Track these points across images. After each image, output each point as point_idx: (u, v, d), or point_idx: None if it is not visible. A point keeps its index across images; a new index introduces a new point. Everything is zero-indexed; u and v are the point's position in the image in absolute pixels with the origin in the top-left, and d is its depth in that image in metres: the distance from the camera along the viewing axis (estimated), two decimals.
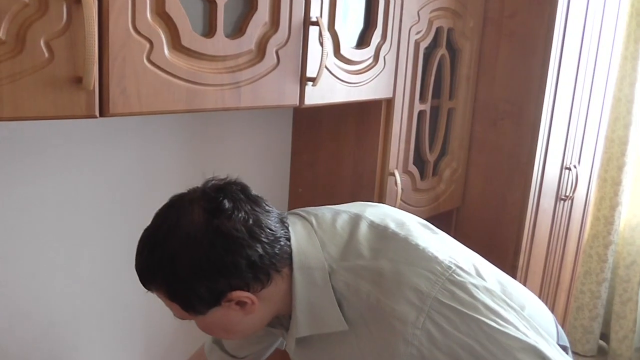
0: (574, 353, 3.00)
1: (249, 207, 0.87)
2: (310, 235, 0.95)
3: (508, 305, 0.89)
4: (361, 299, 0.89)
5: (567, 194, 2.19)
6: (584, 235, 2.56)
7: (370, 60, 1.42)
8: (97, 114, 0.87)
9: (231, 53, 1.05)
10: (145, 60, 0.92)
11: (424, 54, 1.63)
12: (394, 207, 1.12)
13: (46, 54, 0.80)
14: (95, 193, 1.30)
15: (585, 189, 2.39)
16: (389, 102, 1.55)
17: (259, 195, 0.92)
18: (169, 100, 0.97)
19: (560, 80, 1.90)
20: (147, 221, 1.38)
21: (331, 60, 1.29)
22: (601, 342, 3.13)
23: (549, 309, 1.18)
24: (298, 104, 1.23)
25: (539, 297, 1.66)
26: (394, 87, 1.54)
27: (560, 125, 2.00)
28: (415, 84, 1.62)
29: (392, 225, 0.98)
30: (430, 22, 1.62)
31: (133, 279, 1.42)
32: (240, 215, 0.86)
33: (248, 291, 0.87)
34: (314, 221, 0.98)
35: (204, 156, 1.49)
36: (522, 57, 1.86)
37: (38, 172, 1.20)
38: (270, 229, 0.88)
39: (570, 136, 2.10)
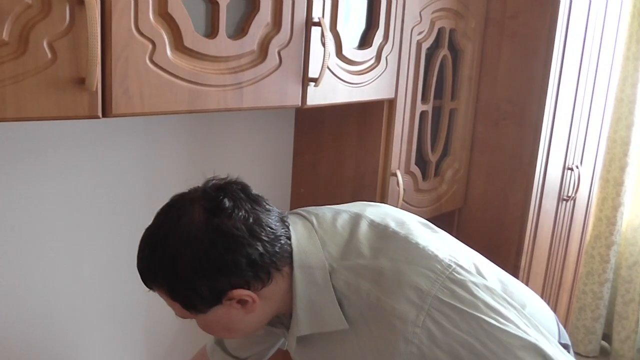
0: (576, 354, 3.00)
1: (249, 206, 0.88)
2: (310, 234, 0.95)
3: (508, 303, 0.89)
4: (361, 298, 0.89)
5: (570, 195, 2.19)
6: (586, 235, 2.55)
7: (372, 61, 1.43)
8: (99, 114, 0.87)
9: (233, 54, 1.05)
10: (147, 61, 0.92)
11: (426, 55, 1.63)
12: (396, 207, 1.12)
13: (49, 55, 0.80)
14: (97, 193, 1.31)
15: (588, 190, 2.39)
16: (391, 102, 1.55)
17: (260, 194, 0.92)
18: (171, 101, 0.97)
19: (562, 80, 1.89)
20: (149, 221, 1.39)
21: (333, 61, 1.29)
22: (603, 342, 3.13)
23: (551, 309, 1.18)
24: (300, 104, 1.24)
25: (541, 297, 1.66)
26: (396, 88, 1.54)
27: (563, 126, 2.00)
28: (417, 84, 1.62)
29: (393, 225, 0.98)
30: (432, 23, 1.62)
31: (134, 279, 1.42)
32: (240, 214, 0.86)
33: (249, 289, 0.87)
34: (314, 220, 0.98)
35: (206, 157, 1.49)
36: (524, 58, 1.86)
37: (40, 173, 1.20)
38: (271, 228, 0.88)
39: (573, 137, 2.10)
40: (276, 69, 1.14)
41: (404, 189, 1.62)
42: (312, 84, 1.23)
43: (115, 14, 0.86)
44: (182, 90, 0.98)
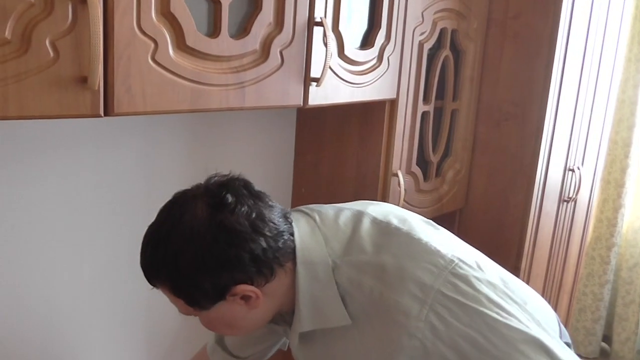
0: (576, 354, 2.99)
1: (252, 202, 0.88)
2: (313, 231, 0.95)
3: (510, 298, 0.89)
4: (364, 294, 0.89)
5: (570, 196, 2.19)
6: (587, 237, 2.55)
7: (374, 61, 1.43)
8: (101, 113, 0.87)
9: (235, 53, 1.05)
10: (150, 60, 0.92)
11: (428, 55, 1.63)
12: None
13: (51, 54, 0.80)
14: (97, 193, 1.31)
15: (589, 191, 2.39)
16: (393, 102, 1.55)
17: (262, 191, 0.92)
18: (173, 100, 0.97)
19: (564, 81, 1.89)
20: (150, 221, 1.39)
21: (335, 61, 1.29)
22: (603, 344, 3.13)
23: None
24: (302, 104, 1.24)
25: None
26: (397, 88, 1.54)
27: (564, 127, 2.00)
28: (419, 84, 1.62)
29: (395, 222, 0.98)
30: (434, 23, 1.62)
31: (134, 278, 1.42)
32: (243, 209, 0.86)
33: (252, 285, 0.87)
34: (317, 217, 0.98)
35: (207, 156, 1.49)
36: (526, 59, 1.86)
37: (41, 172, 1.20)
38: (274, 223, 0.89)
39: (574, 138, 2.10)
40: (278, 69, 1.14)
41: (405, 190, 1.62)
42: (314, 83, 1.23)
43: (118, 12, 0.86)
44: (184, 89, 0.98)
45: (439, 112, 1.79)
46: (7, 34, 0.76)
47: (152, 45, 0.92)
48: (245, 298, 0.89)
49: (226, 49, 1.03)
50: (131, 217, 1.37)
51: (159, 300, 1.49)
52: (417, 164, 1.71)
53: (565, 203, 2.18)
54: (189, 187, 0.91)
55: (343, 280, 0.91)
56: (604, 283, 2.96)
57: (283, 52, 1.15)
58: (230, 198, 0.86)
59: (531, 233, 1.99)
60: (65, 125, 1.21)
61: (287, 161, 1.77)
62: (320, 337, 0.97)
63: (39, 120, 0.89)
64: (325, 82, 1.25)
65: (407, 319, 0.85)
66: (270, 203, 0.91)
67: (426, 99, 1.69)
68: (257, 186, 0.93)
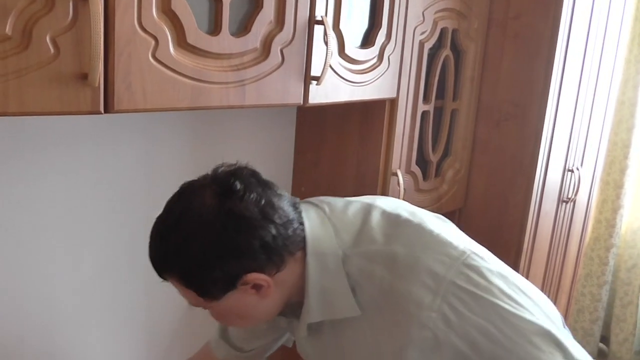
0: None
1: (261, 189, 0.87)
2: (323, 222, 0.95)
3: (521, 290, 0.89)
4: (374, 284, 0.89)
5: (569, 197, 2.19)
6: (586, 237, 2.56)
7: (375, 60, 1.43)
8: (101, 110, 0.87)
9: (236, 51, 1.05)
10: (150, 57, 0.92)
11: (428, 55, 1.63)
12: None
13: (52, 50, 0.80)
14: (97, 191, 1.31)
15: (588, 192, 2.39)
16: (393, 102, 1.55)
17: (270, 180, 0.92)
18: (173, 98, 0.97)
19: (564, 82, 1.89)
20: (150, 219, 1.38)
21: (335, 60, 1.29)
22: (601, 345, 3.13)
23: None
24: (302, 102, 1.24)
25: None
26: (397, 87, 1.54)
27: (564, 128, 2.00)
28: (419, 84, 1.62)
29: (405, 214, 0.97)
30: (435, 23, 1.62)
31: (135, 277, 1.43)
32: (252, 196, 0.85)
33: (263, 274, 0.86)
34: (326, 209, 0.98)
35: (207, 154, 1.49)
36: (527, 59, 1.86)
37: (41, 169, 1.20)
38: (283, 211, 0.88)
39: (573, 138, 2.10)
40: (278, 67, 1.14)
41: (404, 189, 1.62)
42: (314, 82, 1.23)
43: (119, 10, 0.86)
44: (184, 87, 0.98)
45: (439, 111, 1.79)
46: (8, 29, 0.76)
47: (153, 42, 0.92)
48: (257, 287, 0.88)
49: (227, 47, 1.03)
50: (131, 215, 1.37)
51: (159, 299, 1.50)
52: (417, 164, 1.72)
53: (564, 203, 2.18)
54: (196, 178, 0.90)
55: (353, 271, 0.90)
56: (602, 284, 2.97)
57: (284, 51, 1.15)
58: (238, 185, 0.86)
59: (530, 233, 2.00)
60: (65, 122, 1.20)
61: (287, 160, 1.77)
62: (329, 329, 0.96)
63: (39, 117, 0.89)
64: (325, 81, 1.25)
65: (418, 309, 0.85)
66: (278, 192, 0.91)
67: (426, 99, 1.69)
68: None
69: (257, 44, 1.09)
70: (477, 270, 0.87)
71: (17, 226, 1.19)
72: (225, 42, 1.03)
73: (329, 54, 1.23)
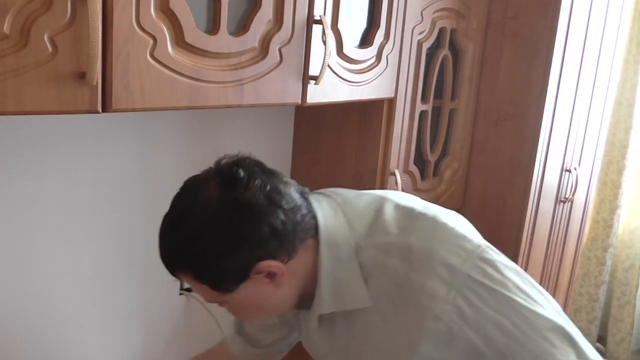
0: None
1: (265, 177, 0.86)
2: (336, 212, 0.94)
3: (534, 286, 0.88)
4: (388, 275, 0.88)
5: (567, 197, 2.19)
6: (583, 238, 2.56)
7: (373, 60, 1.43)
8: (99, 109, 0.87)
9: (234, 50, 1.05)
10: (148, 57, 0.92)
11: (427, 54, 1.63)
12: None
13: (50, 49, 0.80)
14: (96, 190, 1.31)
15: (585, 192, 2.39)
16: (391, 101, 1.56)
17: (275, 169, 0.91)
18: (172, 97, 0.97)
19: (562, 82, 1.90)
20: (148, 218, 1.39)
21: (334, 59, 1.29)
22: (598, 344, 3.14)
23: None
24: (300, 102, 1.24)
25: None
26: (396, 87, 1.54)
27: (561, 128, 2.01)
28: (417, 84, 1.62)
29: (419, 207, 0.96)
30: (434, 23, 1.62)
31: (132, 276, 1.43)
32: (256, 183, 0.84)
33: (276, 260, 0.86)
34: (338, 199, 0.97)
35: (205, 153, 1.47)
36: (525, 59, 1.86)
37: (39, 168, 1.20)
38: (290, 197, 0.87)
39: (571, 138, 2.11)
40: (277, 67, 1.14)
41: (402, 189, 1.63)
42: (313, 82, 1.23)
43: (117, 8, 0.86)
44: (182, 86, 0.98)
45: (437, 111, 1.79)
46: (6, 28, 0.75)
47: (151, 41, 0.92)
48: (271, 275, 0.87)
49: (225, 46, 1.03)
50: (129, 214, 1.37)
51: (157, 298, 1.50)
52: (415, 163, 1.72)
53: (561, 203, 2.18)
54: (199, 173, 0.90)
55: (367, 261, 0.89)
56: (600, 284, 2.97)
57: (282, 50, 1.15)
58: (242, 173, 0.85)
59: (528, 233, 2.00)
60: (63, 121, 1.20)
61: (285, 159, 1.77)
62: (340, 320, 0.95)
63: (37, 116, 0.89)
64: (323, 81, 1.25)
65: (433, 301, 0.84)
66: (284, 179, 0.90)
67: (424, 99, 1.69)
68: None
69: (256, 43, 1.09)
70: (492, 264, 0.87)
71: (14, 225, 1.19)
72: (223, 41, 1.03)
73: (328, 54, 1.23)
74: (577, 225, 2.41)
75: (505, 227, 1.99)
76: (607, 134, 2.67)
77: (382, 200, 0.98)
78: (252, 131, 1.63)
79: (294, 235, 0.87)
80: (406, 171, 1.69)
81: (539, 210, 2.02)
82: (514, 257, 1.98)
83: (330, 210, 0.94)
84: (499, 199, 1.98)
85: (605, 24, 2.09)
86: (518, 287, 0.86)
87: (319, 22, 1.20)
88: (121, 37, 0.87)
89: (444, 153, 1.88)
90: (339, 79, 1.32)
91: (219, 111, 1.49)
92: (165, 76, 0.95)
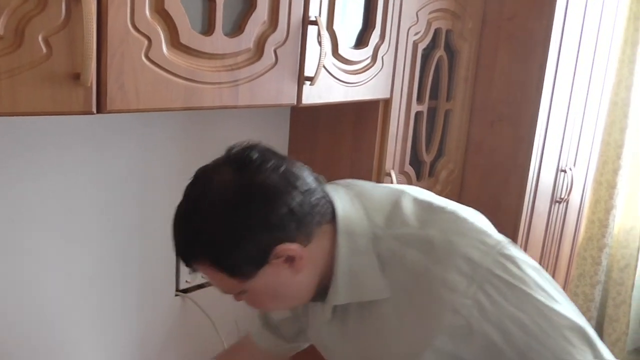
0: None
1: (278, 159, 0.85)
2: (353, 201, 0.92)
3: (552, 285, 0.88)
4: (407, 267, 0.86)
5: (562, 197, 2.20)
6: (579, 238, 2.57)
7: (369, 61, 1.43)
8: (94, 110, 0.87)
9: (230, 51, 1.05)
10: (143, 57, 0.92)
11: (422, 55, 1.64)
12: None
13: (44, 50, 0.80)
14: (90, 191, 1.30)
15: (581, 192, 2.40)
16: (387, 102, 1.56)
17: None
18: (166, 98, 0.97)
19: (557, 83, 1.90)
20: (144, 219, 1.39)
21: (329, 60, 1.29)
22: None
23: None
24: (295, 103, 1.24)
25: None
26: (391, 88, 1.54)
27: (557, 128, 2.01)
28: (412, 84, 1.62)
29: (437, 202, 0.96)
30: (429, 23, 1.62)
31: (128, 277, 1.42)
32: (270, 164, 0.84)
33: (294, 243, 0.84)
34: (355, 189, 0.96)
35: (200, 154, 1.48)
36: (520, 60, 1.87)
37: (33, 170, 1.20)
38: (305, 179, 0.86)
39: (567, 139, 2.11)
40: (272, 67, 1.14)
41: None
42: (308, 82, 1.23)
43: (112, 9, 0.86)
44: (177, 87, 0.98)
45: (432, 112, 1.80)
46: (0, 29, 0.75)
47: (146, 42, 0.92)
48: (289, 260, 0.85)
49: (220, 47, 1.03)
50: (124, 216, 1.37)
51: (153, 299, 1.49)
52: (411, 164, 1.72)
53: (557, 204, 2.19)
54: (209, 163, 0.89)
55: (384, 252, 0.88)
56: (595, 284, 2.98)
57: (277, 51, 1.15)
58: (255, 155, 0.84)
59: (523, 233, 2.00)
60: (58, 122, 1.20)
61: None
62: (354, 312, 0.94)
63: (32, 117, 0.88)
64: (319, 81, 1.25)
65: (453, 294, 0.82)
66: (297, 164, 0.89)
67: (420, 99, 1.69)
68: None
69: (251, 44, 1.09)
70: (513, 260, 0.86)
71: (9, 226, 1.19)
72: (218, 42, 1.03)
73: (323, 55, 1.23)
74: (572, 225, 2.42)
75: (500, 227, 1.96)
76: (603, 134, 2.67)
77: (400, 193, 0.97)
78: (247, 132, 1.62)
79: (311, 217, 0.85)
80: (402, 172, 1.69)
81: (535, 211, 2.02)
82: None
83: (348, 199, 0.93)
84: (495, 199, 1.98)
85: (600, 24, 2.09)
86: (538, 285, 0.85)
87: (315, 22, 1.20)
88: (116, 37, 0.87)
89: (439, 154, 1.89)
90: (335, 80, 1.32)
91: (214, 112, 1.49)
92: (160, 77, 0.95)
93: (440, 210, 0.93)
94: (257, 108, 1.51)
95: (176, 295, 1.55)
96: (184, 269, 1.54)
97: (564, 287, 2.52)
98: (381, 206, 0.93)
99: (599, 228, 2.92)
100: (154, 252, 1.46)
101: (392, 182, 1.60)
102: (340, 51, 1.32)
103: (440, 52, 1.72)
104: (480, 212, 1.07)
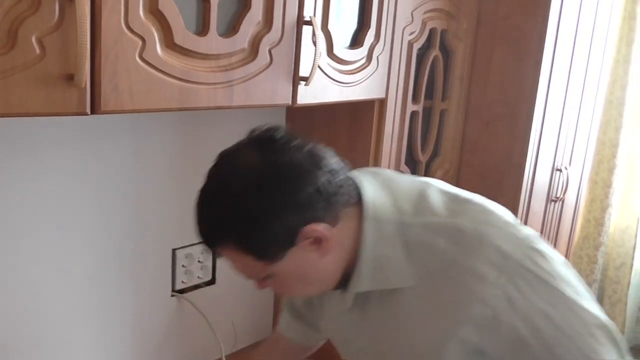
0: None
1: (302, 139, 0.85)
2: (382, 187, 0.91)
3: (580, 282, 0.87)
4: (434, 256, 0.85)
5: (558, 196, 2.20)
6: (574, 236, 2.57)
7: (364, 61, 1.43)
8: (88, 111, 0.87)
9: (224, 52, 1.05)
10: (137, 58, 0.92)
11: (417, 55, 1.64)
12: None
13: (38, 51, 0.80)
14: (86, 193, 1.30)
15: (576, 191, 2.40)
16: (382, 102, 1.56)
17: None
18: (161, 98, 0.97)
19: (552, 82, 1.91)
20: (140, 219, 1.38)
21: (324, 60, 1.29)
22: None
23: None
24: (290, 103, 1.24)
25: None
26: (386, 88, 1.54)
27: (552, 127, 2.01)
28: (408, 84, 1.62)
29: (463, 193, 0.95)
30: (424, 23, 1.63)
31: (123, 278, 1.42)
32: (295, 143, 0.83)
33: (322, 223, 0.83)
34: (382, 176, 0.95)
35: (195, 155, 1.49)
36: (515, 59, 1.87)
37: (28, 171, 1.19)
38: (329, 160, 0.85)
39: (562, 138, 2.11)
40: (267, 68, 1.14)
41: None
42: (303, 82, 1.23)
43: (105, 10, 0.86)
44: (172, 87, 0.98)
45: (428, 111, 1.80)
46: None
47: (140, 43, 0.92)
48: (317, 242, 0.84)
49: (215, 48, 1.03)
50: (120, 217, 1.37)
51: (148, 300, 1.49)
52: (406, 164, 1.72)
53: (552, 203, 2.19)
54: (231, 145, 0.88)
55: (412, 240, 0.87)
56: (591, 282, 2.98)
57: (272, 51, 1.15)
58: (279, 134, 0.83)
59: None
60: (53, 123, 1.20)
61: None
62: (375, 300, 0.92)
63: (25, 117, 0.88)
64: (314, 81, 1.25)
65: (482, 284, 0.81)
66: (320, 145, 0.88)
67: (415, 99, 1.69)
68: None
69: (245, 44, 1.09)
70: (543, 255, 0.85)
71: (4, 227, 1.18)
72: (213, 42, 1.03)
73: (318, 55, 1.23)
74: (568, 224, 2.42)
75: None
76: (598, 133, 2.68)
77: (425, 184, 0.96)
78: (242, 132, 1.61)
79: (339, 197, 0.84)
80: (397, 171, 1.69)
81: (530, 210, 2.03)
82: None
83: (376, 184, 0.92)
84: (490, 198, 1.97)
85: (594, 24, 2.10)
86: (567, 281, 0.84)
87: (309, 23, 1.21)
88: (110, 38, 0.87)
89: (435, 153, 1.89)
90: (330, 80, 1.32)
91: (210, 112, 1.48)
92: (154, 78, 0.95)
93: (468, 201, 0.92)
94: (252, 108, 1.51)
95: (172, 295, 1.55)
96: (179, 270, 1.54)
97: None
98: (408, 195, 0.92)
99: (595, 227, 2.92)
100: (150, 252, 1.46)
101: None
102: (335, 51, 1.32)
103: (435, 52, 1.72)
104: None
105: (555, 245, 2.34)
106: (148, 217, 1.41)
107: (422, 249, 0.86)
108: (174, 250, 1.51)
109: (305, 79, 1.23)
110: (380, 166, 1.59)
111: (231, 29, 1.07)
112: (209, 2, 1.02)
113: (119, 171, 1.35)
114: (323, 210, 0.83)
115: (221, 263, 1.63)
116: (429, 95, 1.77)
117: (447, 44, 1.78)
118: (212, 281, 1.64)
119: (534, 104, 1.86)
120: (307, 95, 1.27)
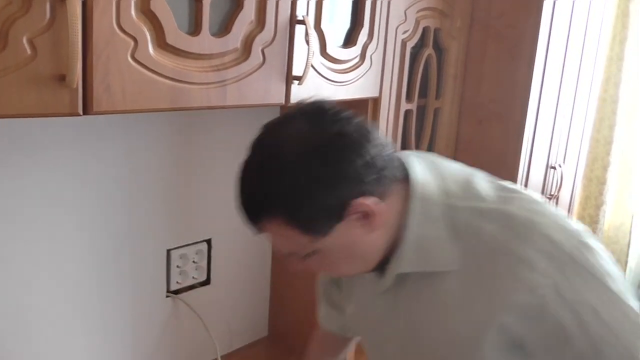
0: None
1: (350, 112, 0.83)
2: (429, 168, 0.89)
3: (626, 281, 0.86)
4: (481, 241, 0.83)
5: (552, 193, 2.21)
6: None
7: (357, 60, 1.43)
8: (80, 111, 0.87)
9: (217, 51, 1.05)
10: (129, 58, 0.92)
11: (411, 54, 1.64)
12: None
13: (29, 51, 0.80)
14: (81, 193, 1.30)
15: (570, 189, 2.41)
16: (376, 101, 1.56)
17: None
18: (153, 98, 0.97)
19: (546, 80, 1.91)
20: (134, 219, 1.38)
21: (317, 59, 1.29)
22: None
23: None
24: (284, 102, 1.24)
25: None
26: (380, 86, 1.54)
27: (546, 125, 2.02)
28: (401, 83, 1.63)
29: (509, 184, 0.93)
30: (417, 22, 1.63)
31: (118, 279, 1.42)
32: (344, 114, 0.81)
33: (370, 197, 0.80)
34: (430, 158, 0.93)
35: (188, 155, 1.49)
36: (509, 58, 1.87)
37: (22, 171, 1.19)
38: (376, 134, 0.83)
39: (556, 136, 2.12)
40: (260, 67, 1.14)
41: None
42: (296, 82, 1.23)
43: (97, 10, 0.86)
44: (164, 87, 0.98)
45: (421, 110, 1.80)
46: None
47: (132, 43, 0.91)
48: (365, 217, 0.81)
49: (207, 47, 1.03)
50: (114, 216, 1.37)
51: (143, 301, 1.49)
52: None
53: (547, 200, 2.20)
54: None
55: (459, 223, 0.84)
56: None
57: (265, 51, 1.15)
58: (327, 106, 0.82)
59: None
60: (46, 123, 1.20)
61: None
62: (412, 284, 0.89)
63: (17, 118, 0.88)
64: (307, 81, 1.25)
65: (531, 272, 0.79)
66: (366, 119, 0.86)
67: (409, 98, 1.69)
68: None
69: (238, 44, 1.09)
70: (593, 251, 0.83)
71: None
72: (205, 42, 1.03)
73: (311, 54, 1.23)
74: None
75: None
76: (592, 131, 2.69)
77: (471, 171, 0.94)
78: (236, 132, 1.62)
79: (388, 171, 0.83)
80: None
81: None
82: None
83: (424, 164, 0.90)
84: None
85: (587, 22, 2.10)
86: (615, 279, 0.82)
87: (302, 22, 1.20)
88: (101, 38, 0.87)
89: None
90: (323, 79, 1.32)
91: (203, 112, 1.48)
92: (146, 78, 0.95)
93: (516, 191, 0.90)
94: (246, 108, 1.51)
95: (167, 296, 1.55)
96: (174, 270, 1.54)
97: None
98: (456, 178, 0.90)
99: (589, 224, 2.93)
100: (144, 253, 1.45)
101: None
102: (329, 50, 1.32)
103: (428, 51, 1.72)
104: None
105: None
106: (142, 217, 1.41)
107: (469, 233, 0.84)
108: (168, 251, 1.51)
109: (299, 79, 1.23)
110: None
111: (223, 28, 1.07)
112: (201, 2, 1.01)
113: (113, 172, 1.35)
114: (372, 185, 0.80)
115: (216, 263, 1.64)
116: (423, 93, 1.77)
117: (441, 43, 1.78)
118: (207, 281, 1.64)
119: (528, 102, 1.87)
120: (301, 95, 1.26)
